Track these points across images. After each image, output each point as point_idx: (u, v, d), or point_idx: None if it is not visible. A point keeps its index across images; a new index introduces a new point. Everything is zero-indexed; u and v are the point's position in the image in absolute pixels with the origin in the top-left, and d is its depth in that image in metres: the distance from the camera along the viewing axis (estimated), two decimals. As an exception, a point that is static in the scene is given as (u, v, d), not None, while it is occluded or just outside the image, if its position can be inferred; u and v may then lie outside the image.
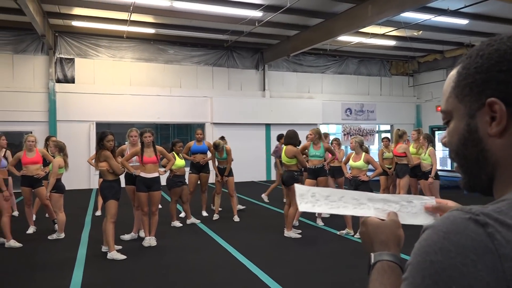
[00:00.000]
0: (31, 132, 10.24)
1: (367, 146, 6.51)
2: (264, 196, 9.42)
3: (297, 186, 0.97)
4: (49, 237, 6.41)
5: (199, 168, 7.81)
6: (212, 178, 8.38)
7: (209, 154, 8.08)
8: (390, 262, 0.84)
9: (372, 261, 0.85)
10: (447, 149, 0.76)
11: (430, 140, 7.35)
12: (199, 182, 7.92)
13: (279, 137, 9.20)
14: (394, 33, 12.73)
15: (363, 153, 6.26)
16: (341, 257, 5.43)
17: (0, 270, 4.98)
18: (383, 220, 0.91)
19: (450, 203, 0.95)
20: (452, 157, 0.74)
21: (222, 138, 8.47)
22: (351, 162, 6.32)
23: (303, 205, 0.93)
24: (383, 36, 12.81)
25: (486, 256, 0.55)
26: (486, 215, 0.58)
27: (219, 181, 7.79)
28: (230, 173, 7.78)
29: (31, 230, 6.84)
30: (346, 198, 0.93)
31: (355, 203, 0.93)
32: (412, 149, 7.52)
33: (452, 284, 0.55)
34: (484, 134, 0.67)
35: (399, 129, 8.00)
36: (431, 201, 0.95)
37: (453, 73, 0.73)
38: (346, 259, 5.33)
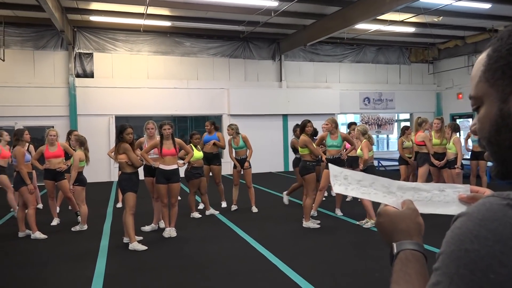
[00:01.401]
0: (53, 127, 10.46)
1: (370, 134, 6.41)
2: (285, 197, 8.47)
3: (331, 167, 0.96)
4: (72, 229, 6.57)
5: (209, 160, 7.81)
6: (229, 170, 8.39)
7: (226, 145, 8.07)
8: (414, 251, 0.81)
9: (395, 250, 0.83)
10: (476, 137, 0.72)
11: (455, 129, 7.20)
12: (211, 174, 7.94)
13: (295, 129, 8.69)
14: (413, 19, 12.43)
15: (363, 140, 6.24)
16: (361, 247, 5.39)
17: (26, 261, 5.14)
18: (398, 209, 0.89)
19: (488, 191, 0.90)
20: (483, 144, 0.71)
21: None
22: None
23: (337, 187, 0.92)
24: (402, 23, 12.54)
25: None
26: None
27: (238, 172, 7.76)
28: (248, 165, 7.77)
29: (55, 222, 7.03)
30: (377, 184, 0.92)
31: (384, 190, 0.91)
32: (434, 139, 7.35)
33: (490, 273, 0.53)
34: None
35: (419, 117, 7.86)
36: (465, 189, 0.90)
37: (483, 56, 0.70)
38: (365, 249, 5.30)
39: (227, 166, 11.78)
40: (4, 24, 11.92)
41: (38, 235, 6.12)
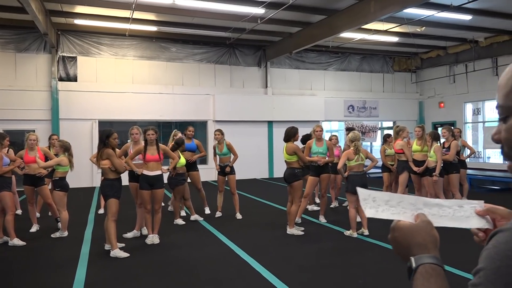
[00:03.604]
0: (34, 131, 10.25)
1: (358, 143, 6.39)
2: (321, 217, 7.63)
3: (359, 190, 0.95)
4: (52, 235, 6.43)
5: (188, 167, 7.60)
6: (214, 176, 8.33)
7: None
8: (434, 265, 0.80)
9: (414, 265, 0.81)
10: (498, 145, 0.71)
11: (435, 137, 7.32)
12: (189, 181, 7.83)
13: (304, 139, 8.11)
14: (397, 29, 12.67)
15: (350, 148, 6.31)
16: (344, 254, 5.42)
17: (4, 268, 5.00)
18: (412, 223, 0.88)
19: (501, 209, 0.91)
20: (509, 155, 0.70)
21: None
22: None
23: (368, 210, 0.92)
24: (386, 32, 12.75)
25: None
26: None
27: (222, 179, 7.75)
28: (232, 171, 7.75)
29: (34, 228, 6.87)
30: (404, 203, 0.92)
31: (412, 208, 0.92)
32: (416, 146, 7.47)
33: None
34: None
35: (397, 126, 8.00)
36: (479, 204, 0.92)
37: None
38: (349, 256, 5.32)
39: (212, 172, 11.73)
40: (-15, 26, 11.69)
41: (16, 241, 5.97)
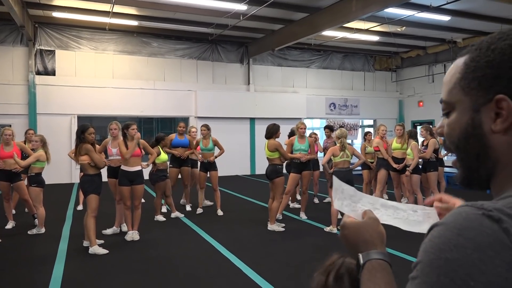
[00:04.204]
0: (10, 126, 10.00)
1: (344, 140, 6.46)
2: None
3: (334, 179, 0.97)
4: (29, 232, 6.30)
5: (180, 162, 7.70)
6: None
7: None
8: (380, 260, 0.82)
9: (361, 261, 0.84)
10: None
11: (411, 135, 7.47)
12: (179, 176, 7.84)
13: (329, 128, 8.91)
14: (378, 28, 12.83)
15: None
16: (325, 250, 5.47)
17: (-23, 265, 4.87)
18: (360, 220, 0.90)
19: (458, 202, 0.93)
20: (450, 148, 0.73)
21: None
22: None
23: (336, 202, 0.94)
24: (367, 31, 12.90)
25: (503, 252, 0.54)
26: (499, 211, 0.57)
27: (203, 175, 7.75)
28: (214, 167, 7.74)
29: (10, 225, 6.71)
30: (364, 201, 0.94)
31: (370, 207, 0.94)
32: (396, 144, 7.60)
33: (470, 281, 0.53)
34: (488, 130, 0.66)
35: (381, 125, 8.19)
36: (432, 211, 0.95)
37: (459, 63, 0.71)
38: (329, 252, 5.35)
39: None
40: (-41, 17, 11.30)
41: (-9, 238, 5.82)
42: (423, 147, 7.63)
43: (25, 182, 6.87)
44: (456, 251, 0.55)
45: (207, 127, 7.73)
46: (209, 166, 7.70)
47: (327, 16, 10.85)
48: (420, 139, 7.84)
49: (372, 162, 8.15)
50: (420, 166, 7.50)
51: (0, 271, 4.67)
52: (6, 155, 6.43)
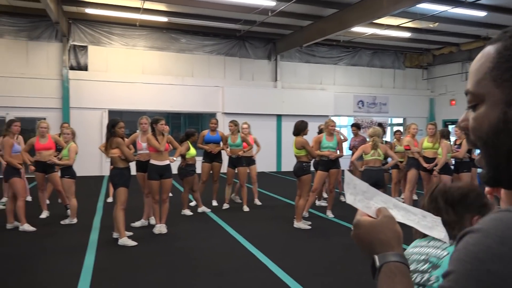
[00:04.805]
0: (45, 119, 10.34)
1: (376, 138, 6.34)
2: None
3: (346, 173, 0.95)
4: (61, 222, 6.51)
5: (212, 158, 7.79)
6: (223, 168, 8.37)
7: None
8: (398, 263, 0.77)
9: (378, 263, 0.78)
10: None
11: (444, 135, 7.27)
12: (211, 172, 7.93)
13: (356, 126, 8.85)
14: (409, 24, 12.52)
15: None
16: (351, 249, 5.41)
17: (14, 253, 5.08)
18: (375, 218, 0.84)
19: None
20: (477, 144, 0.67)
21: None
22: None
23: (348, 196, 0.89)
24: (398, 27, 12.62)
25: None
26: None
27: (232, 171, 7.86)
28: (242, 164, 7.79)
29: (44, 214, 6.96)
30: (377, 199, 0.91)
31: (382, 206, 0.91)
32: (427, 143, 7.41)
33: None
34: None
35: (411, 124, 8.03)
36: (439, 221, 0.92)
37: (490, 52, 0.65)
38: (355, 252, 5.32)
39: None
40: (-2, 13, 11.77)
41: (27, 227, 6.05)
42: (456, 146, 7.42)
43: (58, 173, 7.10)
44: (500, 262, 0.50)
45: (234, 123, 7.80)
46: (237, 162, 7.75)
47: (357, 12, 10.67)
48: (453, 139, 7.62)
49: (401, 162, 7.98)
50: (453, 167, 7.29)
51: (35, 259, 4.85)
52: (42, 147, 6.66)
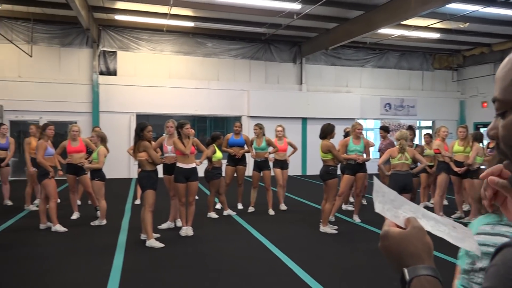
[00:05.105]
0: (76, 122, 10.66)
1: (403, 142, 6.16)
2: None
3: (375, 181, 0.92)
4: (91, 223, 6.68)
5: (236, 161, 7.82)
6: (248, 171, 8.39)
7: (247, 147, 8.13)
8: (428, 277, 0.73)
9: (407, 277, 0.74)
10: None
11: (476, 138, 7.05)
12: (235, 175, 7.96)
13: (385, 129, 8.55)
14: (439, 25, 12.24)
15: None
16: (378, 255, 5.30)
17: (46, 253, 5.24)
18: (404, 229, 0.80)
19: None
20: (505, 153, 0.65)
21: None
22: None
23: (377, 204, 0.86)
24: (427, 28, 12.35)
25: None
26: None
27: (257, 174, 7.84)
28: (267, 167, 7.79)
29: (75, 215, 7.15)
30: (405, 208, 0.88)
31: (411, 215, 0.88)
32: (458, 146, 7.20)
33: None
34: None
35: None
36: (470, 232, 0.87)
37: None
38: (383, 257, 5.21)
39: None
40: (33, 21, 12.22)
41: (59, 227, 6.24)
42: (489, 149, 7.18)
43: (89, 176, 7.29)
44: None
45: (259, 126, 7.81)
46: (263, 165, 7.76)
47: (384, 13, 10.52)
48: (485, 142, 7.38)
49: (431, 166, 7.78)
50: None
51: (67, 259, 4.99)
52: (73, 150, 6.87)
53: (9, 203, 8.25)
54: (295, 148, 8.28)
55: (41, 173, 6.29)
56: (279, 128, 8.12)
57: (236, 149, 7.79)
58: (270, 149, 7.87)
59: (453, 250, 1.15)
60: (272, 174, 7.98)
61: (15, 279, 4.34)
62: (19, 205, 8.10)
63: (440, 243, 0.85)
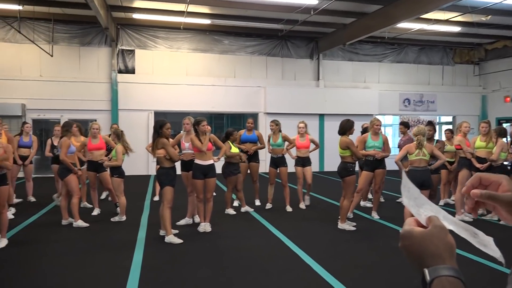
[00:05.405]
0: (96, 120, 10.84)
1: (420, 137, 6.03)
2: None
3: (403, 176, 0.90)
4: (112, 219, 6.79)
5: (249, 158, 7.79)
6: (265, 168, 8.38)
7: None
8: (450, 277, 0.71)
9: (428, 278, 0.72)
10: None
11: (500, 133, 6.87)
12: (249, 172, 7.95)
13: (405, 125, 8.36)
14: (459, 18, 11.96)
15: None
16: (397, 252, 5.23)
17: (67, 248, 5.35)
18: (425, 227, 0.78)
19: (505, 181, 0.79)
20: None
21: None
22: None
23: (404, 199, 0.86)
24: (447, 22, 12.09)
25: None
26: None
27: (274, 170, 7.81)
28: (283, 164, 7.76)
29: (96, 212, 7.28)
30: (426, 207, 0.86)
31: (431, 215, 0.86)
32: (480, 142, 7.03)
33: None
34: None
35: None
36: (491, 241, 0.83)
37: None
38: (402, 255, 5.14)
39: (264, 164, 11.80)
40: (54, 21, 12.47)
41: (81, 223, 6.37)
42: None
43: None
44: None
45: (275, 123, 7.78)
46: (279, 162, 7.73)
47: (403, 7, 10.33)
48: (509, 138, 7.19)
49: (452, 162, 7.63)
50: (510, 167, 6.88)
51: (88, 254, 5.09)
52: (94, 147, 6.99)
53: (32, 199, 8.46)
54: (317, 145, 8.19)
55: (63, 169, 6.41)
56: (301, 125, 7.94)
57: (248, 145, 7.77)
58: (312, 147, 7.90)
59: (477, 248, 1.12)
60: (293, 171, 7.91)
61: (37, 273, 4.45)
62: (42, 201, 8.30)
63: (464, 241, 0.82)
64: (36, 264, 4.73)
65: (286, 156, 7.84)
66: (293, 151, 7.93)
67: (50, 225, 6.49)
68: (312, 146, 8.08)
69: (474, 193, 0.79)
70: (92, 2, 9.10)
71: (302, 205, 7.98)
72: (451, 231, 0.79)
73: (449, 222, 0.83)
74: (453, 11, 11.02)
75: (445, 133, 8.18)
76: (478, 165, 6.96)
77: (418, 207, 0.84)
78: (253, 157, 7.85)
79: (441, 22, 12.05)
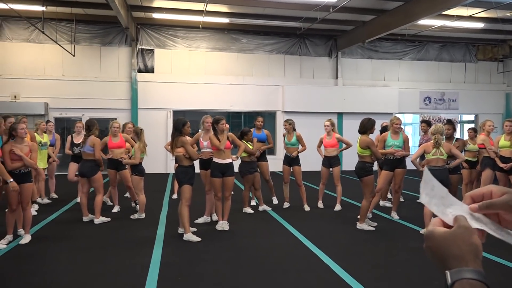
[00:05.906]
0: (116, 119, 11.00)
1: (438, 136, 5.89)
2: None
3: (425, 171, 0.88)
4: (131, 217, 6.88)
5: (257, 157, 7.73)
6: (279, 167, 8.34)
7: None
8: (473, 281, 0.68)
9: (449, 281, 0.70)
10: None
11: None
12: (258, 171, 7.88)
13: (427, 123, 8.15)
14: (483, 14, 11.66)
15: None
16: (418, 252, 5.16)
17: (88, 244, 5.46)
18: (449, 228, 0.76)
19: (499, 200, 0.77)
20: None
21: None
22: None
23: (423, 196, 0.83)
24: (470, 18, 11.80)
25: None
26: None
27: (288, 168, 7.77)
28: (297, 163, 7.70)
29: (116, 209, 7.40)
30: (455, 207, 0.83)
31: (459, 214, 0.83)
32: (504, 141, 6.85)
33: None
34: None
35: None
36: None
37: None
38: (422, 255, 5.06)
39: (279, 163, 11.78)
40: (76, 22, 12.72)
41: (102, 219, 6.50)
42: None
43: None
44: None
45: (288, 122, 7.74)
46: (292, 161, 7.70)
47: (424, 3, 10.14)
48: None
49: (474, 161, 7.46)
50: None
51: (108, 250, 5.18)
52: (114, 146, 7.10)
53: (55, 196, 8.65)
54: (348, 144, 7.80)
55: (92, 167, 6.47)
56: (327, 123, 7.73)
57: (257, 145, 7.67)
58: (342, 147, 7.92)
59: (508, 251, 1.07)
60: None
61: (59, 268, 4.55)
62: (64, 198, 8.48)
63: (493, 244, 0.79)
64: (58, 259, 4.84)
65: (301, 155, 7.76)
66: (322, 150, 7.84)
67: (71, 222, 6.63)
68: (342, 145, 7.96)
69: (472, 208, 0.78)
70: (113, 2, 9.24)
71: (320, 204, 7.93)
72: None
73: (477, 222, 0.80)
74: (476, 6, 10.75)
75: (468, 132, 7.98)
76: (501, 165, 6.79)
77: (444, 206, 0.82)
78: (261, 156, 7.75)
79: (463, 19, 11.78)
